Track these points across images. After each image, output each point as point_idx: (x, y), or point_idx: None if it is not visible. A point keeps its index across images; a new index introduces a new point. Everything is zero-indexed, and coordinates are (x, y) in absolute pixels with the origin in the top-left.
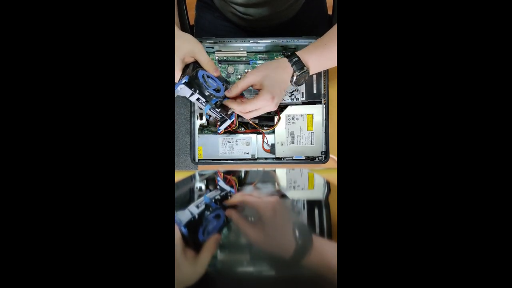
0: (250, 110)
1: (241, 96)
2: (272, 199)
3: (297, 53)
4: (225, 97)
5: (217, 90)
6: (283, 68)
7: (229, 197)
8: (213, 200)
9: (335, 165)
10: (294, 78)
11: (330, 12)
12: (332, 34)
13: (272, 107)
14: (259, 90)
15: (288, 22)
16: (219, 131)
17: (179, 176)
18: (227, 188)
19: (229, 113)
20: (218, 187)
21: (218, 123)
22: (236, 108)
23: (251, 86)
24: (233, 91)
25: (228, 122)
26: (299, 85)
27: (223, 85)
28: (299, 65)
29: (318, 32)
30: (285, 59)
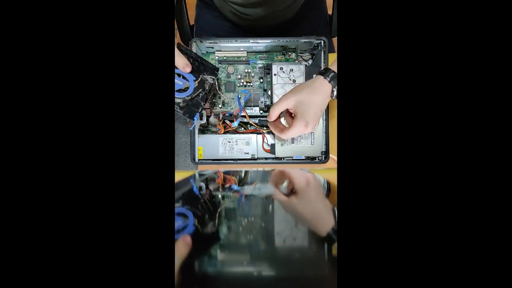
0: (288, 137)
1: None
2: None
3: (331, 67)
4: (195, 96)
5: (184, 90)
6: (318, 89)
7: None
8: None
9: (335, 165)
10: (335, 92)
11: (330, 12)
12: None
13: (308, 131)
14: (293, 114)
15: (288, 22)
16: (190, 130)
17: (179, 176)
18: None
19: (193, 112)
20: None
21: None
22: (276, 134)
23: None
24: (272, 115)
25: (193, 123)
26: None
27: (196, 79)
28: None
29: (318, 32)
30: (321, 77)
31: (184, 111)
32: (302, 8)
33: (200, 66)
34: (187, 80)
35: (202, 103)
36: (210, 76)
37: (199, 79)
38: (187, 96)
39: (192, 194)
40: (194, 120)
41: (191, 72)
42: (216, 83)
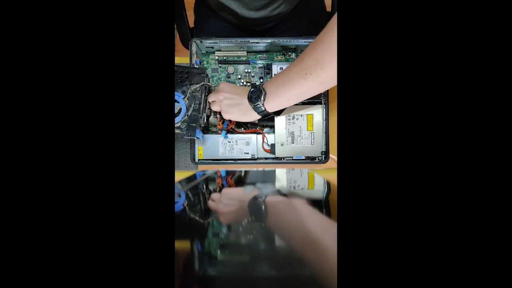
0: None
1: None
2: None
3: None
4: (190, 113)
5: (178, 112)
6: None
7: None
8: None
9: (335, 165)
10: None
11: (328, 9)
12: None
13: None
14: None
15: (287, 21)
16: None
17: (179, 176)
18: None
19: (194, 128)
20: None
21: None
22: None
23: None
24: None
25: (199, 138)
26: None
27: (184, 96)
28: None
29: (318, 31)
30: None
31: (186, 132)
32: (300, 8)
33: (185, 75)
34: (177, 101)
35: (200, 115)
36: (198, 84)
37: (187, 95)
38: (183, 118)
39: (195, 185)
40: (197, 137)
41: (178, 90)
42: (209, 84)
